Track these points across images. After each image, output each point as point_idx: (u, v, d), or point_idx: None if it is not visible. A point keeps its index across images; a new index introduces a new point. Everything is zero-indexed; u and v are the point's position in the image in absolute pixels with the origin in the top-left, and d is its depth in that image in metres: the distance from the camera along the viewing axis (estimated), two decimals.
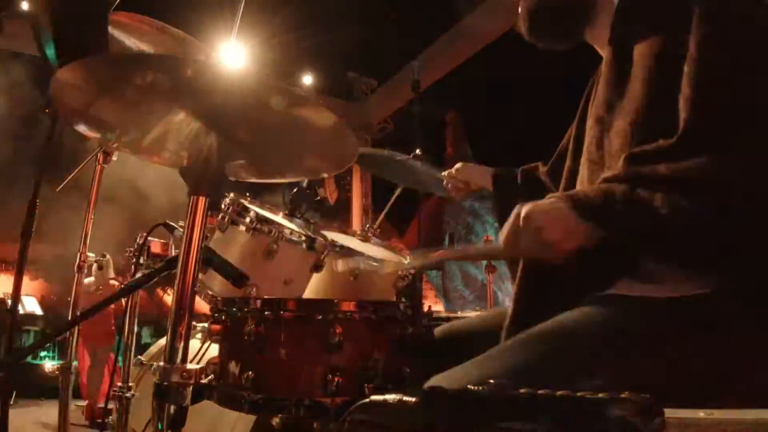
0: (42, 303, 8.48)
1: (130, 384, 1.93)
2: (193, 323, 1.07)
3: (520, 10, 1.20)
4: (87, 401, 4.98)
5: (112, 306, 2.48)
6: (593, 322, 0.90)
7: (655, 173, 0.84)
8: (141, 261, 1.97)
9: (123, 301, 2.04)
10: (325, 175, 1.45)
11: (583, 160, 1.10)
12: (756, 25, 0.89)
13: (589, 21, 1.15)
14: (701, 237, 0.84)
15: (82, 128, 1.13)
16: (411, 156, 2.27)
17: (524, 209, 0.93)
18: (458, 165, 1.85)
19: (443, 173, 1.88)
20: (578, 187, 1.10)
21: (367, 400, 0.66)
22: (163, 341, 2.61)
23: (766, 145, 0.80)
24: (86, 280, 2.02)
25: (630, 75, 0.99)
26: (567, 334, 0.90)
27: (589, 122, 1.10)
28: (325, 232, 1.77)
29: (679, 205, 0.81)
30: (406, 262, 1.91)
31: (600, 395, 0.51)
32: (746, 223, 0.82)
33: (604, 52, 1.10)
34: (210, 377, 1.16)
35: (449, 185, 1.84)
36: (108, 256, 2.18)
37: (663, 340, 0.85)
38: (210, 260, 1.23)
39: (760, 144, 0.80)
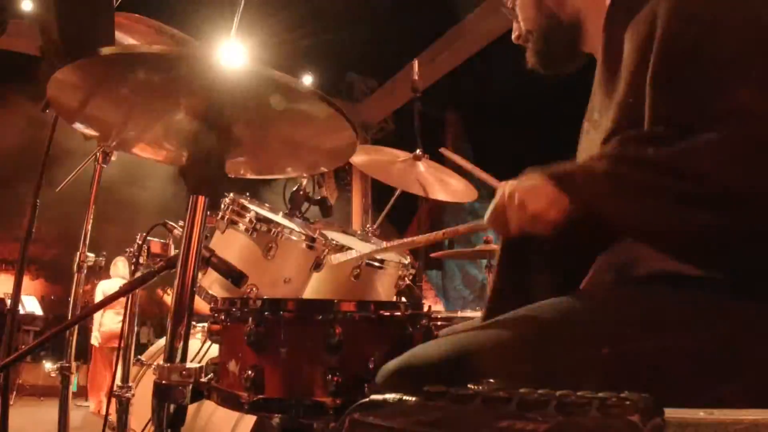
0: (42, 303, 8.50)
1: (130, 384, 1.93)
2: (193, 323, 1.07)
3: (528, 52, 1.23)
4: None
5: None
6: (572, 306, 0.90)
7: (642, 154, 0.84)
8: (141, 261, 1.97)
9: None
10: (324, 169, 1.45)
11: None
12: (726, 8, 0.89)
13: (582, 34, 1.18)
14: (686, 222, 0.83)
15: (80, 127, 1.13)
16: (411, 156, 2.28)
17: (507, 187, 0.95)
18: None
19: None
20: None
21: (367, 399, 0.65)
22: (162, 341, 2.61)
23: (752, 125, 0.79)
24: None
25: (617, 75, 1.00)
26: (541, 318, 0.90)
27: (585, 125, 1.11)
28: (325, 232, 1.77)
29: (663, 187, 0.81)
30: (406, 261, 1.91)
31: (600, 394, 0.51)
32: (735, 211, 0.81)
33: (598, 57, 1.11)
34: (210, 377, 1.16)
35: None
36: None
37: (659, 329, 0.84)
38: (209, 260, 1.23)
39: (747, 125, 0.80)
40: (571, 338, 0.85)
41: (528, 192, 0.92)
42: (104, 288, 5.63)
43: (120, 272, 5.71)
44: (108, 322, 5.64)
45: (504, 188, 0.96)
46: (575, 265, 1.01)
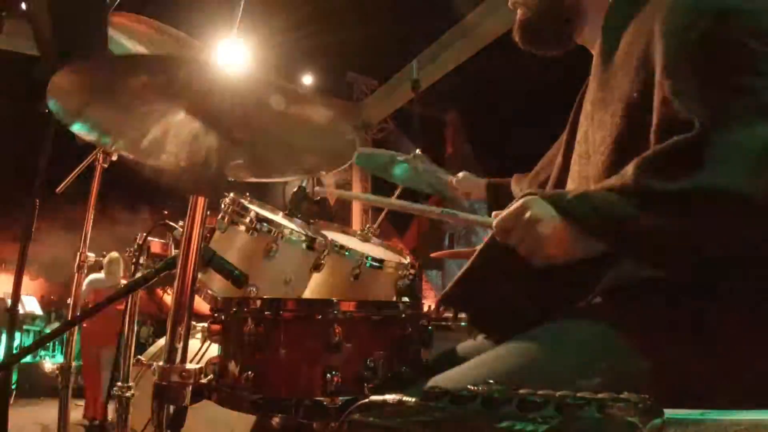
0: (42, 303, 8.50)
1: (130, 384, 1.93)
2: (193, 323, 1.07)
3: (515, 25, 1.21)
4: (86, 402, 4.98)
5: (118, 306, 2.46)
6: (585, 326, 0.91)
7: (666, 191, 0.81)
8: (141, 261, 1.97)
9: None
10: (324, 173, 1.45)
11: (574, 156, 1.09)
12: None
13: (579, 24, 1.16)
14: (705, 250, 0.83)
15: (78, 130, 1.12)
16: (411, 156, 2.28)
17: (532, 209, 0.91)
18: (460, 175, 1.89)
19: (450, 178, 1.93)
20: (568, 184, 1.09)
21: (367, 400, 0.66)
22: (162, 341, 2.61)
23: None
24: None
25: (615, 68, 0.99)
26: (560, 339, 0.91)
27: (581, 119, 1.10)
28: (325, 232, 1.77)
29: (687, 228, 0.80)
30: (406, 261, 1.91)
31: (600, 395, 0.51)
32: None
33: (595, 50, 1.10)
34: (210, 377, 1.16)
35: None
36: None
37: (654, 341, 0.85)
38: (210, 260, 1.23)
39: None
40: (572, 364, 0.86)
41: (542, 239, 0.90)
42: (92, 280, 4.89)
43: (113, 271, 4.99)
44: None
45: (528, 201, 0.93)
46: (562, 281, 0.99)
